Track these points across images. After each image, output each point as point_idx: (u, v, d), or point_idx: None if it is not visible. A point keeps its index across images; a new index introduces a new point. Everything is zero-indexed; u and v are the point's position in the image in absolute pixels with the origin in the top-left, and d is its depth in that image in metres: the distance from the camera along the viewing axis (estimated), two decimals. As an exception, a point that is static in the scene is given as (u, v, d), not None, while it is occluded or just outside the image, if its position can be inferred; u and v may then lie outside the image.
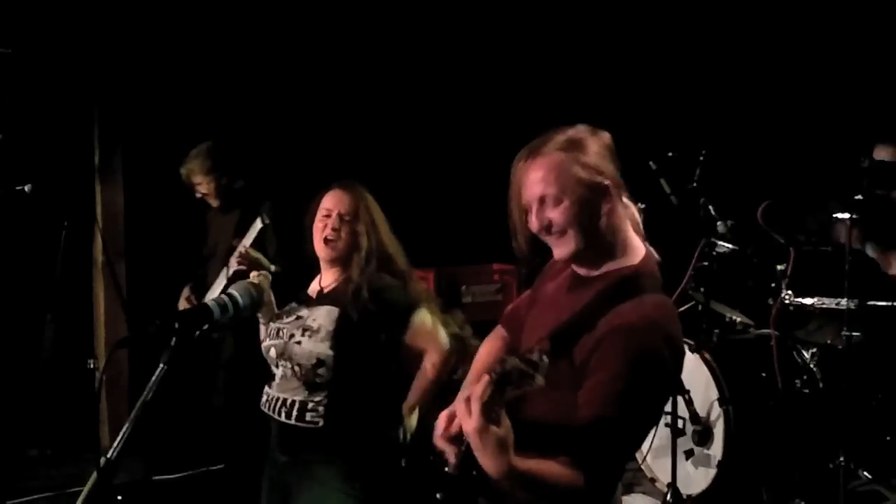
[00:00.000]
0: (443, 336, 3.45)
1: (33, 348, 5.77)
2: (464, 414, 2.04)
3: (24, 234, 5.89)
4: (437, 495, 2.45)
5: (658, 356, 2.23)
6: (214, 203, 5.42)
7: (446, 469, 2.46)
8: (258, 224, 4.70)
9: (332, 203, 3.44)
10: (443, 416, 2.53)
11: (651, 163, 5.27)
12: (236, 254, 4.66)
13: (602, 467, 2.21)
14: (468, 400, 2.04)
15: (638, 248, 2.42)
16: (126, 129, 6.37)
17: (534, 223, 2.35)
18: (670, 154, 5.26)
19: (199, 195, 5.38)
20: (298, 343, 3.33)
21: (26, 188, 4.98)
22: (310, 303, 3.46)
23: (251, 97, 6.53)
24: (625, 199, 2.41)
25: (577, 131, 2.36)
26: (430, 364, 3.44)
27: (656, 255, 2.48)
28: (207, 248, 5.47)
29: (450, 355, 3.44)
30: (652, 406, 2.30)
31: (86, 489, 1.99)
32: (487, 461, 2.06)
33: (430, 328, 3.43)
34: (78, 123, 6.31)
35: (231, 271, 4.75)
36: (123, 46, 6.18)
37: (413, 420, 3.40)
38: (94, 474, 2.01)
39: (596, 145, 2.34)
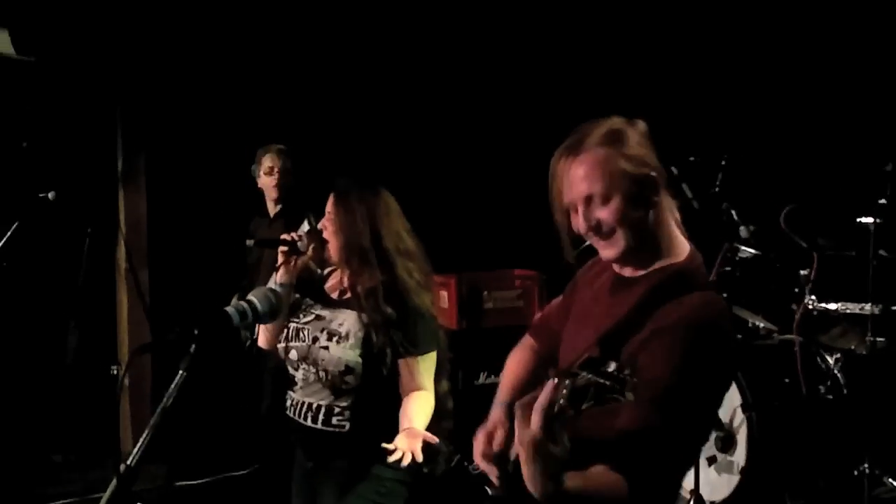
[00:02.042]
0: (432, 384, 3.34)
1: (57, 354, 5.81)
2: (521, 423, 1.91)
3: (48, 241, 5.92)
4: None
5: (708, 355, 2.11)
6: (273, 195, 5.48)
7: (489, 491, 2.41)
8: (305, 227, 4.64)
9: (327, 205, 3.44)
10: (481, 435, 2.45)
11: (672, 168, 5.24)
12: None
13: (647, 474, 2.06)
14: (530, 407, 1.90)
15: (683, 244, 2.31)
16: (149, 136, 6.40)
17: (581, 224, 2.23)
18: (692, 159, 5.23)
19: (272, 178, 5.45)
20: (325, 348, 3.28)
21: (50, 195, 5.01)
22: (329, 302, 3.42)
23: (274, 103, 6.55)
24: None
25: (614, 123, 2.25)
26: (427, 398, 3.31)
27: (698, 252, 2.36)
28: (252, 258, 5.48)
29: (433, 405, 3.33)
30: (702, 408, 2.14)
31: (106, 496, 2.00)
32: (534, 478, 1.93)
33: (431, 371, 3.34)
34: (101, 130, 6.34)
35: None
36: (146, 53, 6.21)
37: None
38: (114, 481, 2.02)
39: (636, 135, 2.24)
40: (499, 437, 2.44)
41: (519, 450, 1.93)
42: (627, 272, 2.32)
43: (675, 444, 2.09)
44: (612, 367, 1.88)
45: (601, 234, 2.23)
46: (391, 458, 2.96)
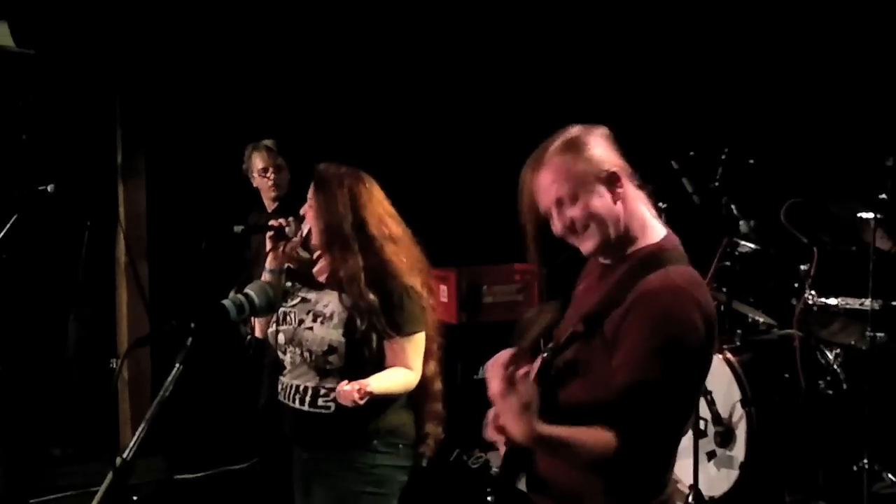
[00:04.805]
0: (420, 365, 3.35)
1: (56, 348, 5.81)
2: (491, 379, 2.18)
3: (48, 234, 5.91)
4: (489, 498, 2.48)
5: (687, 318, 2.27)
6: (270, 194, 5.42)
7: (493, 469, 2.48)
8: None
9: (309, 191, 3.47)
10: (492, 412, 2.53)
11: (673, 162, 5.24)
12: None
13: (637, 429, 2.22)
14: (494, 365, 2.17)
15: (658, 228, 2.47)
16: (149, 130, 6.39)
17: (557, 227, 2.43)
18: (692, 153, 5.23)
19: (268, 179, 5.38)
20: (310, 329, 3.31)
21: (49, 188, 4.99)
22: (315, 285, 3.44)
23: (273, 97, 6.54)
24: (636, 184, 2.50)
25: (570, 132, 2.45)
26: (407, 374, 3.32)
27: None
28: (251, 252, 5.47)
29: (414, 383, 3.34)
30: (686, 369, 2.29)
31: (102, 489, 2.00)
32: (512, 425, 2.17)
33: (419, 352, 3.35)
34: (101, 124, 6.33)
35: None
36: (146, 47, 6.20)
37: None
38: (110, 474, 2.02)
39: (592, 139, 2.43)
40: None
41: (494, 404, 2.22)
42: (609, 261, 2.49)
43: (661, 398, 2.24)
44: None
45: (576, 231, 2.42)
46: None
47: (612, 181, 2.39)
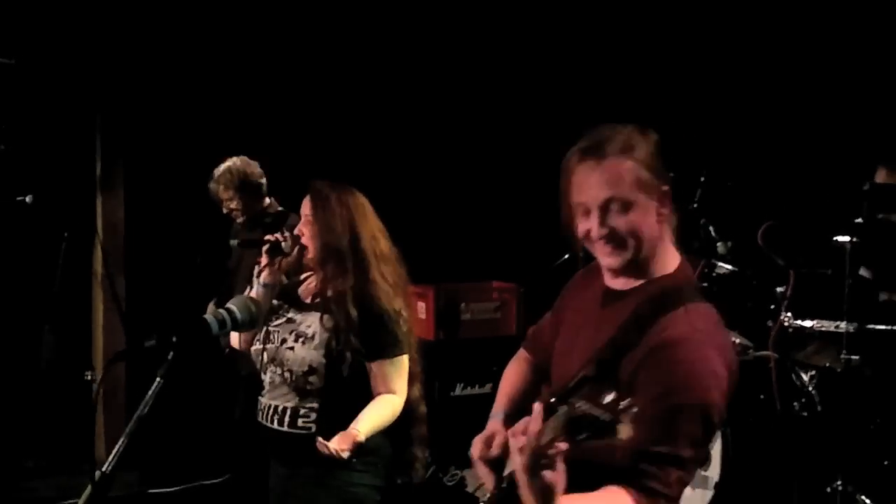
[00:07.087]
0: (405, 388, 3.35)
1: (32, 359, 5.76)
2: (514, 448, 1.95)
3: (25, 245, 5.89)
4: None
5: (710, 373, 2.11)
6: (241, 219, 5.40)
7: (481, 500, 2.43)
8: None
9: (303, 207, 3.45)
10: (478, 440, 2.46)
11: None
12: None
13: (653, 489, 2.09)
14: (521, 434, 1.93)
15: (675, 256, 2.33)
16: (128, 142, 6.38)
17: (594, 229, 2.22)
18: (671, 175, 5.24)
19: (225, 211, 5.37)
20: (291, 349, 3.31)
21: (27, 199, 4.98)
22: (301, 306, 3.44)
23: (254, 109, 6.54)
24: None
25: (632, 132, 2.26)
26: (393, 401, 3.32)
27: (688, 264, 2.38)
28: (232, 263, 5.45)
29: (400, 408, 3.34)
30: (705, 425, 2.13)
31: (80, 503, 1.99)
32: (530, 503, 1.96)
33: (403, 374, 3.34)
34: (80, 135, 6.32)
35: None
36: (126, 58, 6.19)
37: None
38: (89, 488, 2.01)
39: (651, 146, 2.26)
40: (497, 441, 2.43)
41: (516, 476, 1.96)
42: (619, 284, 2.33)
43: (681, 454, 2.10)
44: (609, 397, 1.83)
45: (613, 241, 2.23)
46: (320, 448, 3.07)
47: (664, 200, 2.25)
